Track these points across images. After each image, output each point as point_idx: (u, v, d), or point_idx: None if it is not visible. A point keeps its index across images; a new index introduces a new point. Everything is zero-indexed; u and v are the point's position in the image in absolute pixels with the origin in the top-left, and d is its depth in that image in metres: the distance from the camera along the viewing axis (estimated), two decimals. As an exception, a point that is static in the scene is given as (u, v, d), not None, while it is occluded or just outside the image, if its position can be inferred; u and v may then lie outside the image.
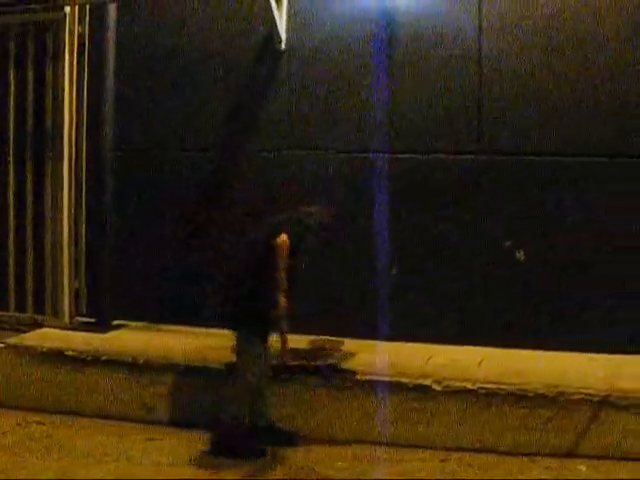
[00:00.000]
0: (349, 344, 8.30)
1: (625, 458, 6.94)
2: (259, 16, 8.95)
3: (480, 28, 8.56)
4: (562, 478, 6.69)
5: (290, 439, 7.30)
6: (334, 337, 8.47)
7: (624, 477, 6.67)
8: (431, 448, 7.23)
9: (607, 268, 8.25)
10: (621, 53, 8.31)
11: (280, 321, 6.90)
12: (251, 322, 7.00)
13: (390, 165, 8.67)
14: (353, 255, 8.70)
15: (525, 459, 7.05)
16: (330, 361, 7.71)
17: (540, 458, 7.05)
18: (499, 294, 8.47)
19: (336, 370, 7.57)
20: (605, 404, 7.04)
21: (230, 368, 7.40)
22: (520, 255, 8.43)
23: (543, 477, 6.73)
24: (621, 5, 8.29)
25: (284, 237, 6.90)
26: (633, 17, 8.27)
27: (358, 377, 7.48)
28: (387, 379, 7.42)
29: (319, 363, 7.63)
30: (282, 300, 6.85)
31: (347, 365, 7.67)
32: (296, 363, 7.55)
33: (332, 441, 7.39)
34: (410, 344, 8.38)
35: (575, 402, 7.10)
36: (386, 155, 8.71)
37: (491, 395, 7.23)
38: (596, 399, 7.08)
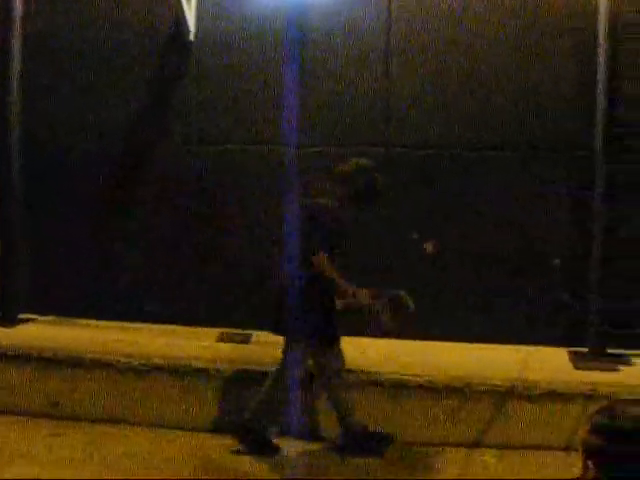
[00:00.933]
0: (258, 336, 8.31)
1: (530, 447, 7.05)
2: (167, 7, 8.85)
3: (389, 24, 8.61)
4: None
5: None
6: (242, 330, 8.50)
7: (528, 467, 6.79)
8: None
9: (512, 260, 8.40)
10: (523, 51, 8.45)
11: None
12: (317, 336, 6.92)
13: (300, 158, 8.64)
14: (261, 247, 8.68)
15: (432, 449, 7.13)
16: None
17: (447, 448, 7.13)
18: (409, 286, 8.52)
19: None
20: (511, 395, 7.13)
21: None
22: (429, 247, 8.50)
23: (449, 468, 6.82)
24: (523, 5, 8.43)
25: (321, 255, 6.71)
26: (533, 16, 8.41)
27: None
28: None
29: None
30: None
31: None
32: None
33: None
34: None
35: (481, 393, 7.19)
36: (296, 148, 8.67)
37: (400, 387, 7.30)
38: (502, 390, 7.18)
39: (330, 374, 6.97)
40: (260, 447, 7.00)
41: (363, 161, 7.06)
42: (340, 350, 6.97)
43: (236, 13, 8.80)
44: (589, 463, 3.41)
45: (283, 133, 8.63)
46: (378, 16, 8.61)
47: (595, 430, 3.40)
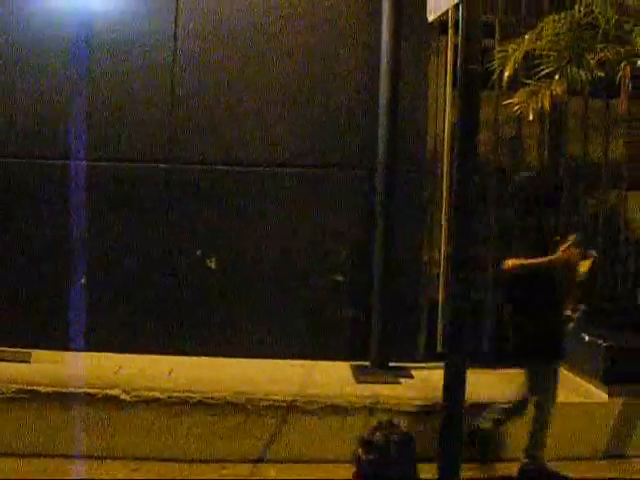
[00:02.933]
0: (37, 355, 8.11)
1: (315, 461, 7.14)
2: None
3: (175, 37, 8.58)
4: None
5: None
6: (21, 349, 8.23)
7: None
8: (121, 459, 7.14)
9: (297, 274, 8.57)
10: (312, 70, 8.63)
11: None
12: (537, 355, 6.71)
13: (88, 173, 8.49)
14: (46, 263, 8.51)
15: (215, 466, 7.11)
16: None
17: (231, 464, 7.12)
18: (192, 302, 8.56)
19: None
20: (293, 409, 7.23)
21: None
22: (211, 263, 8.53)
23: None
24: (324, 19, 8.60)
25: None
26: (336, 29, 8.62)
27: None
28: (75, 390, 7.28)
29: None
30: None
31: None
32: None
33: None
34: (99, 354, 8.23)
35: (264, 408, 7.25)
36: (83, 162, 8.50)
37: (180, 404, 7.26)
38: (284, 405, 7.25)
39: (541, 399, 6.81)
40: None
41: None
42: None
43: (19, 23, 8.54)
44: (356, 474, 3.59)
45: (69, 147, 8.48)
46: (165, 30, 8.57)
47: (361, 444, 3.59)
